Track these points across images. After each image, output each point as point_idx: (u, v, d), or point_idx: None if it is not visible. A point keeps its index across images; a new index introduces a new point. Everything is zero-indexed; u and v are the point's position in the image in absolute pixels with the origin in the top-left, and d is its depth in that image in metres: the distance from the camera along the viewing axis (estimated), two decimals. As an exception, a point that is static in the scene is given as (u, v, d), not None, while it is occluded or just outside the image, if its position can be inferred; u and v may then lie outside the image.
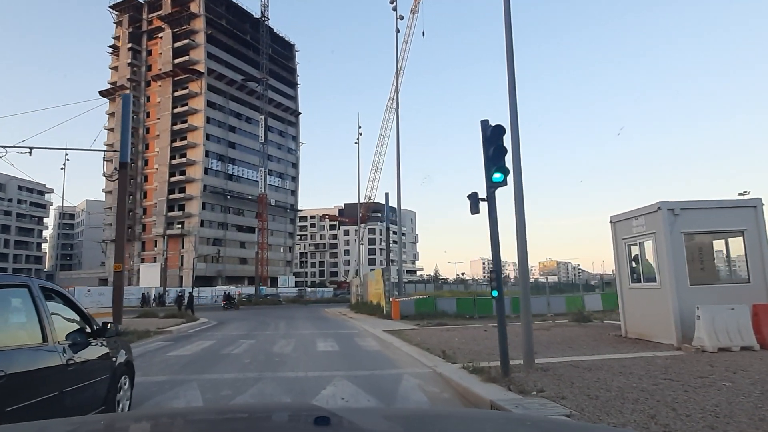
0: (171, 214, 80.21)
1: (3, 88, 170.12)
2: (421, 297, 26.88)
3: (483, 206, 7.75)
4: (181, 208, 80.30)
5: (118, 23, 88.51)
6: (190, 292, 36.97)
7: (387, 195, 39.07)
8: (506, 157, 7.68)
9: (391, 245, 40.48)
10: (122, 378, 5.66)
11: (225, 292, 50.87)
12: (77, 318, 4.98)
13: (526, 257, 8.67)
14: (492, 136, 7.52)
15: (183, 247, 78.73)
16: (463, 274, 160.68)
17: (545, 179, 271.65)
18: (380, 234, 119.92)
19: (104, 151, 17.89)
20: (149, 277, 68.37)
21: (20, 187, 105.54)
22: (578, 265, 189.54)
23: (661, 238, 11.11)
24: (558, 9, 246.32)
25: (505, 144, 7.51)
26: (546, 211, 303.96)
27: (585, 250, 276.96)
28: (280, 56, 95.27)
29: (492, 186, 7.58)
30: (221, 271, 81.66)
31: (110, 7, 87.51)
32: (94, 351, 4.96)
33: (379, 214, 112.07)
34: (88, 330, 5.01)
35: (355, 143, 60.21)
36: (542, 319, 22.09)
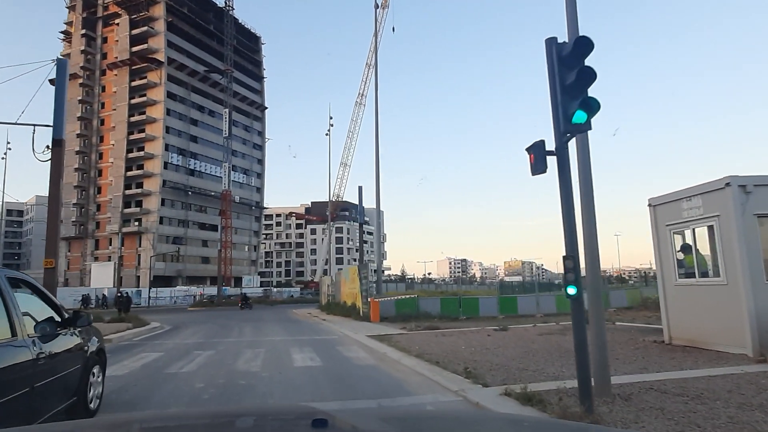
0: (127, 210, 75.38)
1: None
2: (402, 297, 24.36)
3: (551, 162, 5.28)
4: (139, 204, 75.59)
5: (71, 8, 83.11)
6: (127, 293, 34.40)
7: (360, 188, 36.94)
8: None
9: (363, 244, 37.98)
10: (94, 368, 5.53)
11: (241, 293, 49.28)
12: (47, 308, 4.77)
13: (596, 240, 6.24)
14: (572, 54, 4.96)
15: (140, 246, 74.10)
16: (429, 273, 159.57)
17: (512, 177, 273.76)
18: (348, 233, 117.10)
19: (34, 125, 14.84)
20: (102, 277, 64.06)
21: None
22: (542, 264, 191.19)
23: (730, 222, 8.88)
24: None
25: (590, 66, 4.97)
26: (510, 211, 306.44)
27: (547, 251, 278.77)
28: (246, 48, 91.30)
29: (569, 130, 5.07)
30: (182, 270, 77.35)
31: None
32: (65, 341, 4.78)
33: (347, 213, 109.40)
34: (58, 320, 4.79)
35: (326, 135, 57.70)
36: (533, 319, 20.01)
